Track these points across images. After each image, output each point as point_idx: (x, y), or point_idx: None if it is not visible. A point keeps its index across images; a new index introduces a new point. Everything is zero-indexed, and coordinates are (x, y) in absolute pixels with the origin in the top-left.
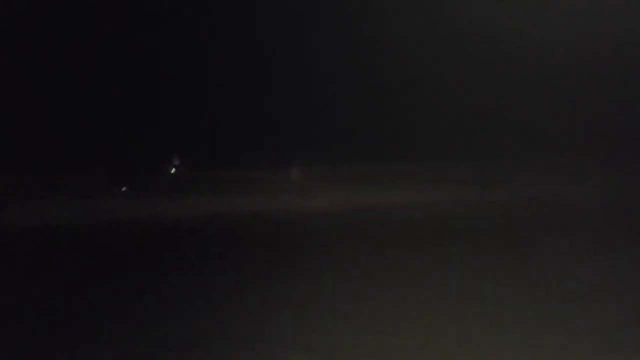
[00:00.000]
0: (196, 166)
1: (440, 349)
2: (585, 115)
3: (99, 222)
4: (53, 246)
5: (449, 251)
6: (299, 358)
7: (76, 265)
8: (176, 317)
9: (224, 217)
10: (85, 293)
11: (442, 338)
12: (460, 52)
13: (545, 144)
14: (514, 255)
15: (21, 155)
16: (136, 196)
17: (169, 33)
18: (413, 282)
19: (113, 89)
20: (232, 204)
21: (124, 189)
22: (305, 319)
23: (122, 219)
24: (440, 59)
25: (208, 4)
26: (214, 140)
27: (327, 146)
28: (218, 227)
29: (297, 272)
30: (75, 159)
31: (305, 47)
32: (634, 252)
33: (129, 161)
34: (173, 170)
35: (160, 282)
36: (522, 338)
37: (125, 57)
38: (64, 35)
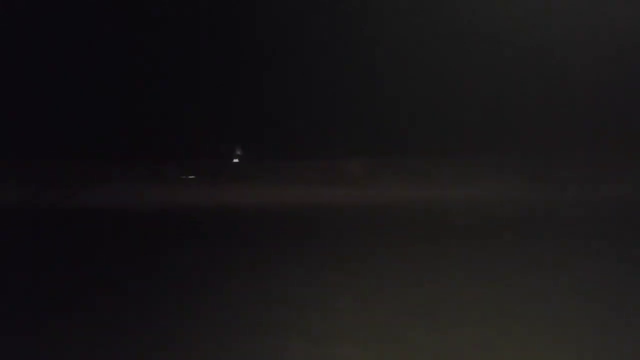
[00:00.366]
0: (258, 157)
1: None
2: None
3: (169, 206)
4: (126, 226)
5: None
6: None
7: (152, 242)
8: (244, 289)
9: (282, 205)
10: (165, 267)
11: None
12: (497, 45)
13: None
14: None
15: (100, 145)
16: (203, 184)
17: (239, 23)
18: (468, 274)
19: (182, 81)
20: (291, 194)
21: (191, 176)
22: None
23: (190, 204)
24: (481, 52)
25: None
26: (275, 132)
27: (386, 140)
28: (278, 215)
29: (348, 258)
30: (148, 148)
31: (369, 43)
32: None
33: (197, 151)
34: (236, 160)
35: (225, 262)
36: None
37: (195, 49)
38: (134, 20)
